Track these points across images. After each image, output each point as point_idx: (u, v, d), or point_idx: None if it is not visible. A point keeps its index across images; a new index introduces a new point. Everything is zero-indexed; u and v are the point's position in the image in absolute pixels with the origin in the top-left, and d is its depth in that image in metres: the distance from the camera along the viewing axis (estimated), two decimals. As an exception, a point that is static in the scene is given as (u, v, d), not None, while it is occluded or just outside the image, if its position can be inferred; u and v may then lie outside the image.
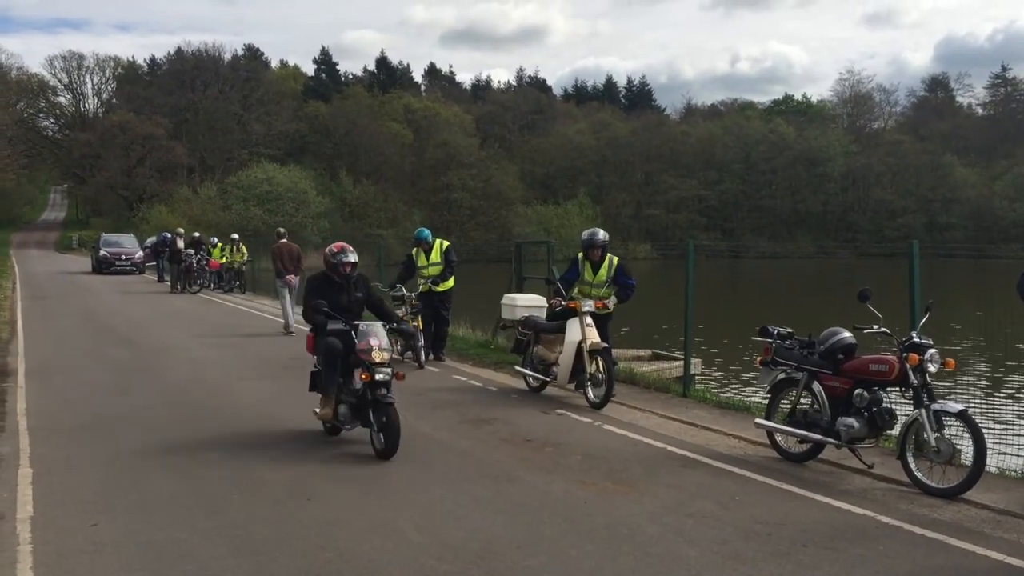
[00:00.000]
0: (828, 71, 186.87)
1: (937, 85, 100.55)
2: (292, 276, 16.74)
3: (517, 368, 10.70)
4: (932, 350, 6.45)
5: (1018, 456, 7.27)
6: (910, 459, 6.39)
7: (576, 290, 10.10)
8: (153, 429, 8.42)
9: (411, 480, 6.69)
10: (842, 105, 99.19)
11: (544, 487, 6.53)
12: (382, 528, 5.60)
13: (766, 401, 7.80)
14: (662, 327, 21.42)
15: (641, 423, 8.68)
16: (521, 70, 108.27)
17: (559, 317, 9.93)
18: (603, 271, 10.04)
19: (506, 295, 12.81)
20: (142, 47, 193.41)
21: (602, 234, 10.13)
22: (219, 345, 14.79)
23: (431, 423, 8.72)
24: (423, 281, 12.81)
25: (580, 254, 10.20)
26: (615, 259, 10.15)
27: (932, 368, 6.44)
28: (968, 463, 6.15)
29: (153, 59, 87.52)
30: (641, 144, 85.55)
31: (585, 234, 10.29)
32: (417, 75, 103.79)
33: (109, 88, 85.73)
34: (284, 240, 17.52)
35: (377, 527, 5.62)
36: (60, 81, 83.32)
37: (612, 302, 9.95)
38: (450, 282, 12.96)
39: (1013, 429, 8.45)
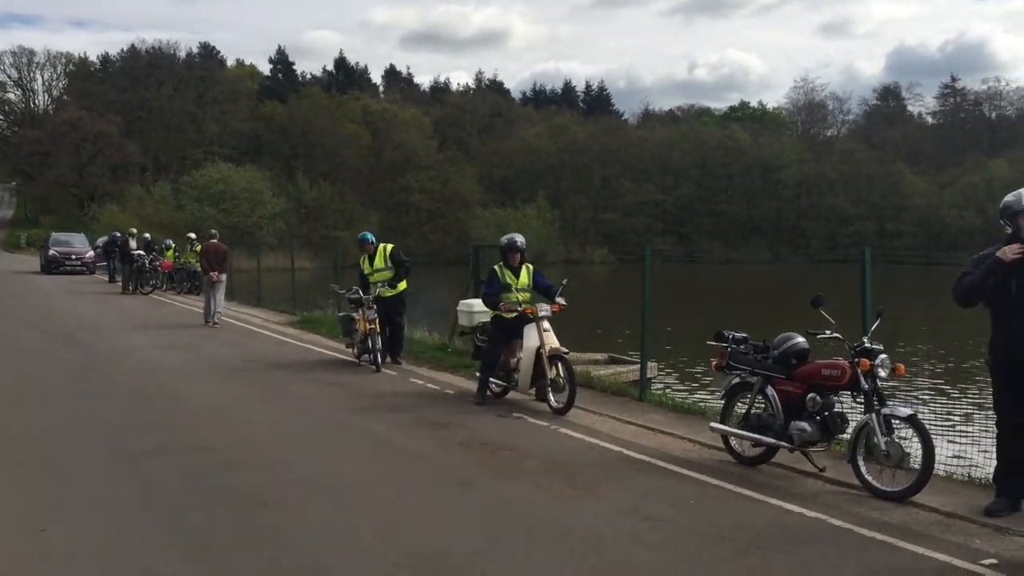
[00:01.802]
0: (784, 79, 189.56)
1: (888, 94, 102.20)
2: (215, 273, 18.09)
3: (478, 374, 10.67)
4: (882, 355, 6.58)
5: (960, 458, 7.41)
6: (860, 462, 6.50)
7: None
8: (105, 433, 8.29)
9: (368, 485, 6.66)
10: (796, 112, 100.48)
11: (501, 491, 6.54)
12: (339, 534, 5.57)
13: (721, 405, 7.89)
14: (623, 331, 21.54)
15: (597, 427, 8.72)
16: (480, 73, 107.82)
17: (508, 324, 9.84)
18: (524, 276, 9.96)
19: (462, 301, 12.68)
20: (98, 44, 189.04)
21: (521, 238, 10.13)
22: (172, 347, 14.59)
23: (388, 427, 8.70)
24: (374, 286, 12.77)
25: (496, 265, 10.09)
26: (530, 266, 10.12)
27: (883, 373, 6.57)
28: (917, 466, 6.27)
29: (106, 56, 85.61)
30: (599, 148, 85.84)
31: (505, 239, 10.25)
32: (376, 76, 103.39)
33: (60, 85, 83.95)
34: (214, 240, 19.02)
35: (334, 533, 5.58)
36: (9, 77, 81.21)
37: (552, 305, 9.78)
38: (402, 284, 12.94)
39: (952, 434, 8.63)
